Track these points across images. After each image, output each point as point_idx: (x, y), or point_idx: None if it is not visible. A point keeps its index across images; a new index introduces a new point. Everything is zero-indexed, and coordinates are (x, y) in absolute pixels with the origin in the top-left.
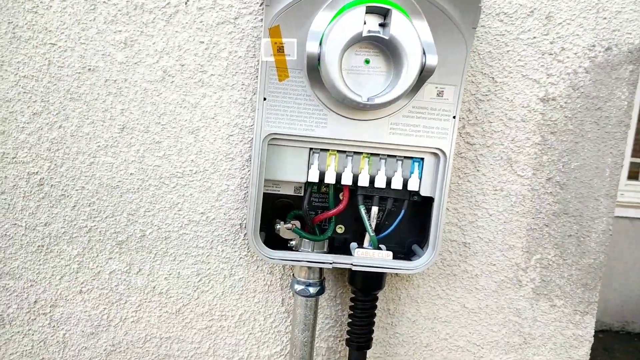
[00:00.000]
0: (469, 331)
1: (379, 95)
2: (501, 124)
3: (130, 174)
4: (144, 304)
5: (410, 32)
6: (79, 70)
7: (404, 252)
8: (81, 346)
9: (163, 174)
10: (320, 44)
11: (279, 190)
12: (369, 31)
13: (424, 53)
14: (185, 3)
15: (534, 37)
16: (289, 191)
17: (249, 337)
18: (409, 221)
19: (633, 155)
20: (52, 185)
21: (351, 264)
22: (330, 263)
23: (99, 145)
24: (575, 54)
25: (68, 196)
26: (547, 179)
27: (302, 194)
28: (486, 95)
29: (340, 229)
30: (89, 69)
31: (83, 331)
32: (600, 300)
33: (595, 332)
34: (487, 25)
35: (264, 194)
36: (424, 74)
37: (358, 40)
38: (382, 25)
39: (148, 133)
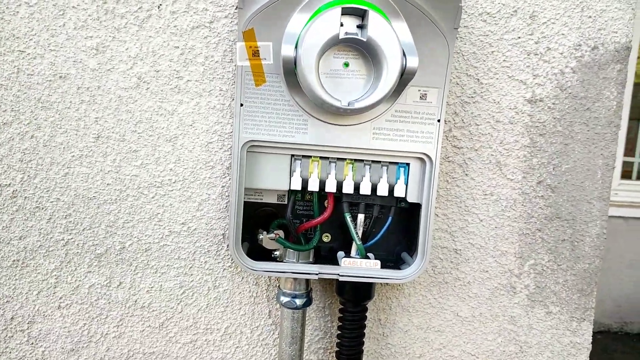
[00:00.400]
0: (463, 340)
1: (359, 99)
2: (488, 126)
3: (107, 184)
4: (126, 319)
5: (389, 34)
6: (49, 78)
7: (393, 260)
8: None
9: (141, 184)
10: (296, 47)
11: (261, 199)
12: (346, 33)
13: (404, 55)
14: (158, 7)
15: (519, 37)
16: (272, 199)
17: (235, 350)
18: (397, 228)
19: (626, 154)
20: (25, 198)
21: (338, 275)
22: (316, 274)
23: (73, 155)
24: (561, 53)
25: (43, 208)
26: (538, 182)
27: (285, 202)
28: (472, 97)
29: (326, 238)
30: (60, 77)
31: (63, 348)
32: (597, 301)
33: (594, 333)
34: (470, 26)
35: (246, 202)
36: (405, 77)
37: (335, 43)
38: (360, 27)
39: (124, 142)
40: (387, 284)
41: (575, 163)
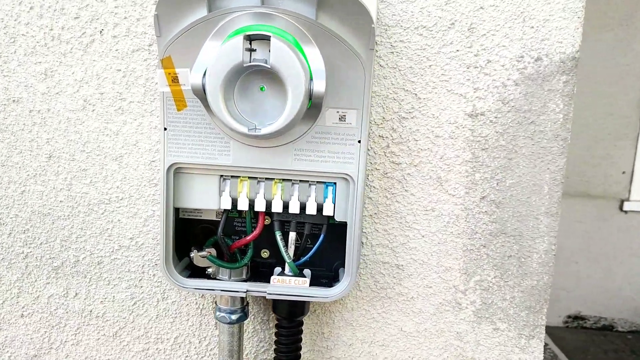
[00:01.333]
0: (408, 355)
1: (267, 124)
2: (428, 141)
3: (60, 201)
4: (82, 327)
5: (290, 60)
6: (4, 102)
7: (330, 276)
8: None
9: (91, 201)
10: (204, 75)
11: (200, 216)
12: (244, 62)
13: (312, 79)
14: (100, 32)
15: (457, 50)
16: (212, 216)
17: (185, 359)
18: (333, 244)
19: None
20: None
21: (266, 292)
22: (245, 292)
23: (28, 174)
24: (503, 65)
25: (3, 224)
26: (481, 197)
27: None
28: (410, 112)
29: (265, 254)
30: (14, 101)
31: (27, 354)
32: (627, 299)
33: (624, 332)
34: (406, 40)
35: (185, 219)
36: (315, 101)
37: (240, 71)
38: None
39: (74, 161)
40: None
41: (520, 178)
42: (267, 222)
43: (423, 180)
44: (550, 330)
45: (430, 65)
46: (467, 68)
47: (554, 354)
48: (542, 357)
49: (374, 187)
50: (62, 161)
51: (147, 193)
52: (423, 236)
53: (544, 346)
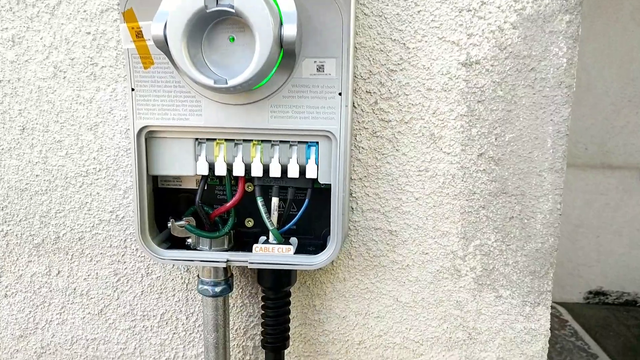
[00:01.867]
0: (405, 327)
1: (235, 76)
2: (419, 95)
3: (37, 175)
4: (67, 306)
5: (257, 2)
6: None
7: (319, 245)
8: (12, 349)
9: (68, 174)
10: (166, 25)
11: (180, 185)
12: (206, 6)
13: (282, 24)
14: None
15: None
16: (192, 184)
17: (173, 336)
18: (321, 210)
19: None
20: None
21: (247, 262)
22: (225, 261)
23: (2, 148)
24: (499, 7)
25: None
26: (479, 154)
27: (206, 188)
28: (398, 64)
29: (249, 223)
30: None
31: (12, 334)
32: None
33: None
34: None
35: (165, 189)
36: (287, 47)
37: (203, 18)
38: None
39: (48, 132)
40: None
41: (521, 131)
42: (251, 189)
43: (415, 138)
44: (570, 307)
45: (419, 11)
46: (460, 12)
47: (575, 331)
48: (549, 326)
49: (362, 147)
50: (36, 133)
51: (125, 163)
52: (417, 199)
53: (564, 323)
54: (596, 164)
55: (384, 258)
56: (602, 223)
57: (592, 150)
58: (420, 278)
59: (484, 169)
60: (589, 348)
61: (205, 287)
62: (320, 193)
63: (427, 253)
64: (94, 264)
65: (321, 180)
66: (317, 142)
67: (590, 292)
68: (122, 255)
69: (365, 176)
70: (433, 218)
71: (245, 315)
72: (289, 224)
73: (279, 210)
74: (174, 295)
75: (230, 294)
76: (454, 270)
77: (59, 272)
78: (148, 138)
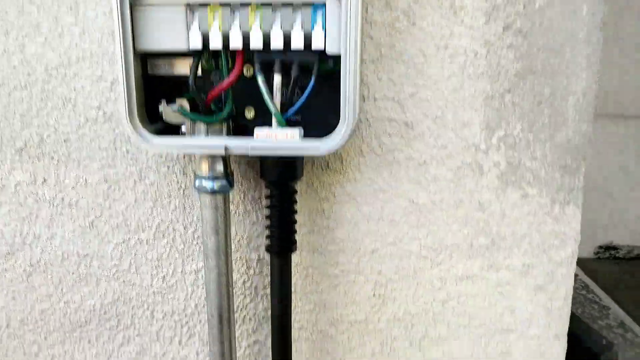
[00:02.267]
0: (422, 233)
1: None
2: None
3: (14, 67)
4: (56, 218)
5: None
6: None
7: (327, 132)
8: (1, 267)
9: (49, 64)
10: None
11: (172, 72)
12: None
13: None
14: None
15: None
16: (185, 70)
17: (170, 250)
18: (329, 93)
19: None
20: None
21: (249, 147)
22: (224, 148)
23: None
24: None
25: None
26: (505, 26)
27: (200, 74)
28: None
29: (250, 113)
30: None
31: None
32: None
33: None
34: None
35: (156, 77)
36: None
37: None
38: None
39: (23, 14)
40: (327, 166)
41: None
42: (250, 74)
43: (433, 9)
44: (580, 262)
45: None
46: None
47: (585, 284)
48: (579, 229)
49: (374, 21)
50: (10, 16)
51: (111, 50)
52: (435, 83)
53: (574, 277)
54: (608, 114)
55: (399, 153)
56: (614, 176)
57: (601, 99)
58: (438, 176)
59: (510, 44)
60: (600, 300)
61: (203, 182)
62: (329, 79)
63: (446, 147)
64: (82, 170)
65: (329, 50)
66: (325, 4)
67: (600, 247)
68: (112, 159)
69: (377, 58)
70: (453, 105)
71: (248, 223)
72: (295, 106)
73: (281, 98)
74: (170, 202)
75: (231, 196)
76: (476, 165)
77: (45, 180)
78: (134, 5)
